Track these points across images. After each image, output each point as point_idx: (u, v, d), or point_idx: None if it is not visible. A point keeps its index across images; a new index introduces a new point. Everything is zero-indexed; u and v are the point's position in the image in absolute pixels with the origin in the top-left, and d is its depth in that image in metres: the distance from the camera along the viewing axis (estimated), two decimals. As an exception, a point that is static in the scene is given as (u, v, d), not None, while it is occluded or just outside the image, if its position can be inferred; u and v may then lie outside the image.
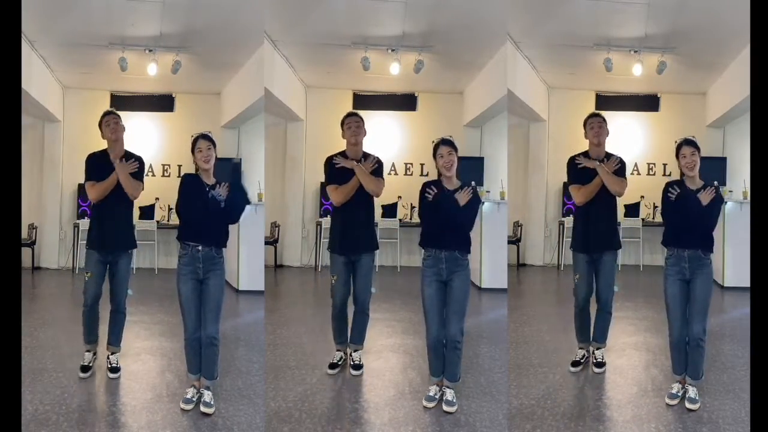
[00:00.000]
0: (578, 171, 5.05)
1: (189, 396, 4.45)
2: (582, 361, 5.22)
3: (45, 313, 7.35)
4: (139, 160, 4.94)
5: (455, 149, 4.48)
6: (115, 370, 5.00)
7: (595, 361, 5.18)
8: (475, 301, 8.25)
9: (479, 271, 8.61)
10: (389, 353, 5.77)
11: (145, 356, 5.67)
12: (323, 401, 4.63)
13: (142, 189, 4.98)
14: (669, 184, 4.55)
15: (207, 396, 4.42)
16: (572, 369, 5.16)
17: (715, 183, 4.61)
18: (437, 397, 4.48)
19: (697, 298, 4.48)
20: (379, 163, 5.01)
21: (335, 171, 4.97)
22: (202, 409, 4.35)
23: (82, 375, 4.98)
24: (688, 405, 4.45)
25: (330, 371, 5.10)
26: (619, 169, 5.01)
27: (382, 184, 4.99)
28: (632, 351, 5.83)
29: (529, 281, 9.82)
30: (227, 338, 6.23)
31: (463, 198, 4.39)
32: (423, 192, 4.45)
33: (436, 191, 4.42)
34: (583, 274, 5.11)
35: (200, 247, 4.39)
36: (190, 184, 4.45)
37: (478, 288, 8.61)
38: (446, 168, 4.46)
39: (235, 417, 4.32)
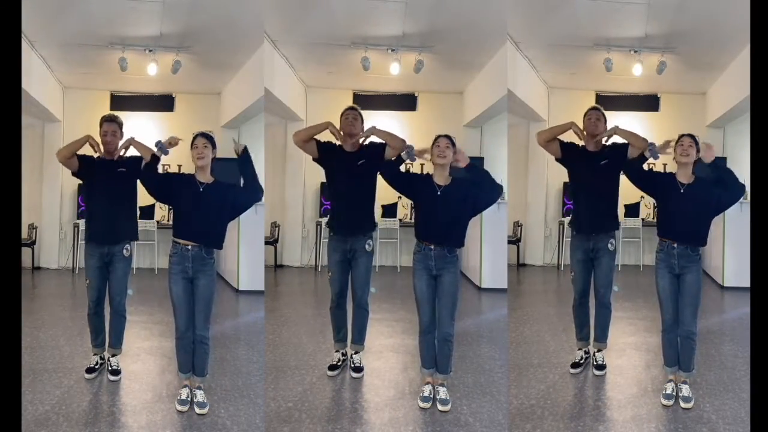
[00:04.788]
0: (566, 144, 5.12)
1: (183, 396, 4.44)
2: (582, 362, 5.21)
3: (45, 313, 7.35)
4: (134, 161, 4.86)
5: (453, 144, 4.50)
6: (115, 372, 4.99)
7: (595, 363, 5.18)
8: (475, 301, 8.25)
9: (479, 271, 8.60)
10: (389, 353, 5.77)
11: (145, 356, 5.67)
12: (323, 401, 4.63)
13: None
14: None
15: (200, 395, 4.42)
16: (572, 371, 5.15)
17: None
18: (432, 396, 4.48)
19: (687, 293, 4.49)
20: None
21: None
22: (197, 410, 4.35)
23: (87, 376, 4.98)
24: (682, 404, 4.46)
25: (330, 373, 5.09)
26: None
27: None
28: (632, 351, 5.82)
29: (529, 281, 9.81)
30: (227, 338, 6.25)
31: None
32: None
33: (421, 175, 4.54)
34: (579, 271, 5.11)
35: (189, 246, 4.38)
36: (180, 180, 4.52)
37: (478, 288, 8.61)
38: (440, 156, 4.47)
39: (235, 417, 4.32)
